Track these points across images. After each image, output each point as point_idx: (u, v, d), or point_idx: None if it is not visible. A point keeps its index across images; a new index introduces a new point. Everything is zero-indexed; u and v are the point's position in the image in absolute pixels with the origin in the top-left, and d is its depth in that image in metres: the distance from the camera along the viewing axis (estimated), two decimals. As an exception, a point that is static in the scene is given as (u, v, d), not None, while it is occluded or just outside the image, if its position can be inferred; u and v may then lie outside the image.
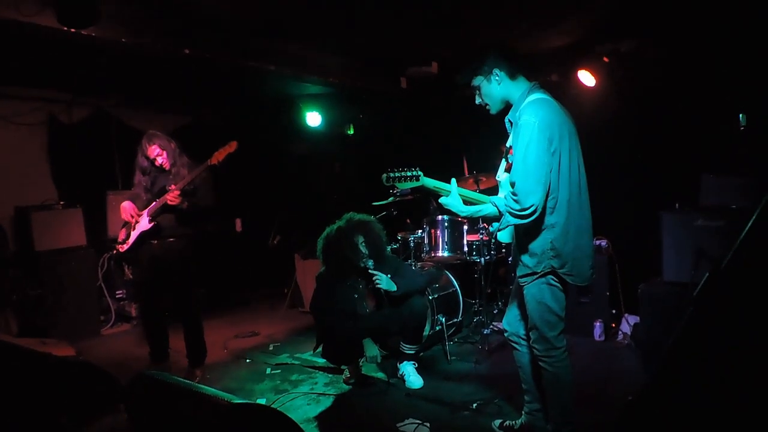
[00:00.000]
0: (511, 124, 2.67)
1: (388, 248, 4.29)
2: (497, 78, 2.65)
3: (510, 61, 2.66)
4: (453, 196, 2.67)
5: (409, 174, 2.67)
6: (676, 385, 0.83)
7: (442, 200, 2.70)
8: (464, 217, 2.77)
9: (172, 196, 3.79)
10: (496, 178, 2.89)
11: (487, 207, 2.64)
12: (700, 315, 0.79)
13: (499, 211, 2.58)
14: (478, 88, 2.72)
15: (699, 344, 0.80)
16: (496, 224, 2.70)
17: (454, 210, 2.67)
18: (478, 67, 2.68)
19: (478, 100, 2.78)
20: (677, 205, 4.22)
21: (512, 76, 2.66)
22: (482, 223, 4.73)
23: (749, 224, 0.76)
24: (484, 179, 4.89)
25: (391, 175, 2.67)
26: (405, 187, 2.70)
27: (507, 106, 2.74)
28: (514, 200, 2.47)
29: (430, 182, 2.72)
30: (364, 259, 3.92)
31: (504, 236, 2.89)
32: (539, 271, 2.57)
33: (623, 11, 4.23)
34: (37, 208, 5.41)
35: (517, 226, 2.66)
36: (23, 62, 4.65)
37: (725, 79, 4.33)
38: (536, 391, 2.88)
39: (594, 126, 4.06)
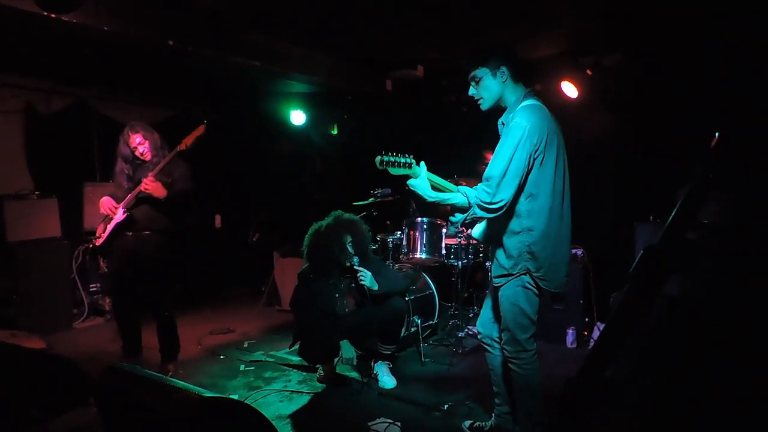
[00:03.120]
0: (504, 125, 2.68)
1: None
2: (502, 76, 2.64)
3: (516, 65, 2.68)
4: (421, 179, 2.62)
5: (402, 160, 2.63)
6: (611, 361, 0.88)
7: (409, 182, 2.64)
8: (431, 203, 2.72)
9: (148, 180, 3.77)
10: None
11: (455, 196, 2.62)
12: (636, 290, 0.84)
13: (469, 203, 2.57)
14: (480, 79, 2.68)
15: (634, 319, 0.86)
16: (459, 215, 2.66)
17: (420, 193, 2.62)
18: (486, 58, 2.65)
19: (472, 91, 2.74)
20: (652, 217, 4.31)
21: (515, 79, 2.67)
22: (461, 227, 4.76)
23: (680, 202, 0.82)
24: (465, 183, 4.92)
25: (385, 158, 2.62)
26: (397, 173, 2.65)
27: (497, 108, 2.74)
28: (486, 192, 2.50)
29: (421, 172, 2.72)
30: (350, 258, 3.94)
31: (477, 232, 2.90)
32: (515, 272, 2.60)
33: (606, 25, 4.31)
34: (11, 198, 5.31)
35: (494, 226, 2.69)
36: (0, 48, 4.57)
37: (704, 96, 4.44)
38: (506, 394, 2.92)
39: (574, 136, 4.13)
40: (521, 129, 2.49)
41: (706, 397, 3.34)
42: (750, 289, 3.60)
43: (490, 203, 2.49)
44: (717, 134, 0.81)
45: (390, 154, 2.64)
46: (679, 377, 3.53)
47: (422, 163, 2.70)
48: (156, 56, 4.69)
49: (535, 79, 5.30)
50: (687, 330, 3.67)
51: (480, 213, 2.55)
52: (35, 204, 5.45)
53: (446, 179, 5.01)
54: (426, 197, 2.63)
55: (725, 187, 3.85)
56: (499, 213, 2.51)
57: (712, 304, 3.76)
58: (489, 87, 2.68)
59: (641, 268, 0.83)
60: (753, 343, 3.36)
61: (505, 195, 2.48)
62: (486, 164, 2.83)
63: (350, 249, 3.96)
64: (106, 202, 3.97)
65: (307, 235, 4.08)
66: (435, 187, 2.68)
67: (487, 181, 2.54)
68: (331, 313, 3.98)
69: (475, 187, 2.61)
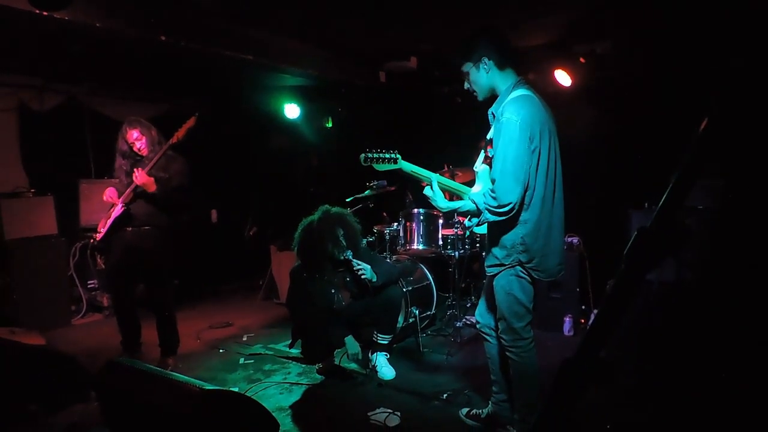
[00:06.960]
0: (494, 116, 2.67)
1: (364, 241, 4.32)
2: (485, 66, 2.63)
3: (500, 51, 2.64)
4: (435, 189, 2.68)
5: (387, 156, 2.66)
6: (607, 341, 0.90)
7: (426, 191, 2.71)
8: (444, 212, 2.78)
9: (138, 174, 3.77)
10: (474, 168, 2.92)
11: (467, 204, 2.66)
12: (630, 272, 0.86)
13: (477, 208, 2.60)
14: (467, 73, 2.71)
15: (629, 300, 0.88)
16: (475, 219, 2.72)
17: (434, 204, 2.70)
18: (467, 53, 2.65)
19: (466, 86, 2.76)
20: (646, 204, 4.33)
21: (501, 66, 2.64)
22: (457, 217, 4.78)
23: (671, 185, 0.84)
24: (461, 174, 4.94)
25: (369, 155, 2.66)
26: (382, 168, 2.69)
27: (493, 96, 2.73)
28: (492, 197, 2.50)
29: (408, 166, 2.72)
30: (345, 252, 3.94)
31: (481, 227, 2.92)
32: (507, 263, 2.62)
33: (599, 13, 4.31)
34: (6, 196, 5.31)
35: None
36: (-8, 46, 4.55)
37: (697, 82, 4.46)
38: (504, 381, 2.95)
39: (568, 124, 4.16)
40: (512, 125, 2.46)
41: (703, 383, 3.38)
42: (743, 274, 3.63)
43: (499, 207, 2.48)
44: (705, 119, 0.82)
45: (374, 150, 2.66)
46: (678, 362, 3.56)
47: (435, 174, 2.71)
48: (149, 52, 4.67)
49: (527, 68, 5.31)
50: (684, 315, 3.70)
51: (491, 217, 2.53)
52: (31, 202, 5.45)
53: (441, 170, 5.03)
54: (440, 208, 2.69)
55: (713, 172, 3.89)
56: (510, 215, 2.50)
57: (708, 289, 3.79)
58: (476, 80, 2.70)
59: (634, 249, 0.85)
60: (747, 327, 3.40)
61: (512, 197, 2.45)
62: (477, 153, 2.86)
63: (343, 242, 3.96)
64: (109, 193, 3.98)
65: (297, 232, 4.05)
66: (449, 193, 2.72)
67: (493, 185, 2.53)
68: (328, 309, 3.98)
69: (482, 192, 2.61)
